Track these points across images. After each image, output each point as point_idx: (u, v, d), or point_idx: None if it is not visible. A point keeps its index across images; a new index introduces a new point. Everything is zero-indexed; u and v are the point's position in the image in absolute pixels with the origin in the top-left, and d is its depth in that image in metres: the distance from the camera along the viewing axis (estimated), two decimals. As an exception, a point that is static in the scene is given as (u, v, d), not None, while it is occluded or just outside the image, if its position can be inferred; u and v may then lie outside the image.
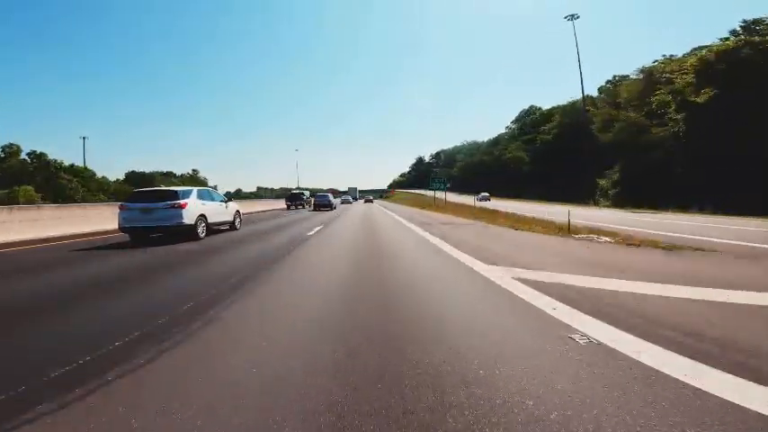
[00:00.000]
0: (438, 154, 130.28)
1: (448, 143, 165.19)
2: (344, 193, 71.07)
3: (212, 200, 11.03)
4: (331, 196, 32.63)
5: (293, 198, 34.98)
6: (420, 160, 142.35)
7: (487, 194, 51.22)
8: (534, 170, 58.61)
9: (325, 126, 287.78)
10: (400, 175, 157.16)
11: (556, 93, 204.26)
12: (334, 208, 31.04)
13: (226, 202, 11.87)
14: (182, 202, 9.30)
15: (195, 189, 10.45)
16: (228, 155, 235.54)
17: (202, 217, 9.99)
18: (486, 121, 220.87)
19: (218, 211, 11.09)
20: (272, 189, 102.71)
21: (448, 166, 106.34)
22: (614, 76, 56.60)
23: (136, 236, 9.44)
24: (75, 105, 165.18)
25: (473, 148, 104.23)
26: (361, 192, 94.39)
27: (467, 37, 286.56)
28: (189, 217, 9.40)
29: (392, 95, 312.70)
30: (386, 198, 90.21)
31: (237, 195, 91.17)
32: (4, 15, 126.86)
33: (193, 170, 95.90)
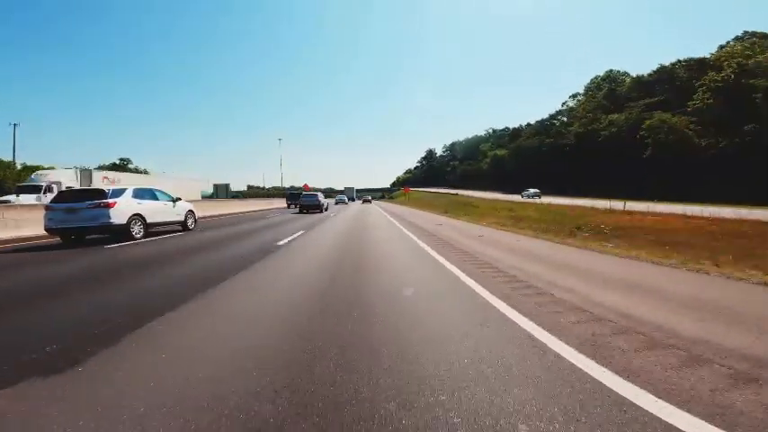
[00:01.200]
0: (453, 145, 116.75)
1: (449, 140, 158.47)
2: (341, 192, 69.14)
3: (154, 198, 10.69)
4: (321, 196, 28.25)
5: (292, 197, 36.80)
6: (430, 153, 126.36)
7: (536, 191, 42.74)
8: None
9: (326, 126, 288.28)
10: (406, 172, 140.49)
11: (565, 85, 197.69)
12: (326, 209, 26.88)
13: (173, 201, 11.52)
14: (109, 201, 8.95)
15: (131, 188, 10.10)
16: (228, 154, 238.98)
17: (138, 216, 9.65)
18: (490, 118, 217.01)
19: (161, 211, 10.74)
20: (264, 188, 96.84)
21: (471, 158, 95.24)
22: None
23: (66, 237, 9.17)
24: (75, 105, 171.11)
25: (504, 136, 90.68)
26: (359, 191, 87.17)
27: (467, 36, 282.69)
28: (119, 216, 9.06)
29: (392, 95, 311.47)
30: (390, 199, 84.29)
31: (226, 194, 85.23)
32: (4, 15, 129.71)
33: (121, 159, 74.93)
